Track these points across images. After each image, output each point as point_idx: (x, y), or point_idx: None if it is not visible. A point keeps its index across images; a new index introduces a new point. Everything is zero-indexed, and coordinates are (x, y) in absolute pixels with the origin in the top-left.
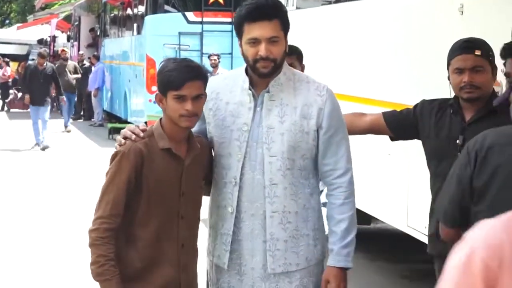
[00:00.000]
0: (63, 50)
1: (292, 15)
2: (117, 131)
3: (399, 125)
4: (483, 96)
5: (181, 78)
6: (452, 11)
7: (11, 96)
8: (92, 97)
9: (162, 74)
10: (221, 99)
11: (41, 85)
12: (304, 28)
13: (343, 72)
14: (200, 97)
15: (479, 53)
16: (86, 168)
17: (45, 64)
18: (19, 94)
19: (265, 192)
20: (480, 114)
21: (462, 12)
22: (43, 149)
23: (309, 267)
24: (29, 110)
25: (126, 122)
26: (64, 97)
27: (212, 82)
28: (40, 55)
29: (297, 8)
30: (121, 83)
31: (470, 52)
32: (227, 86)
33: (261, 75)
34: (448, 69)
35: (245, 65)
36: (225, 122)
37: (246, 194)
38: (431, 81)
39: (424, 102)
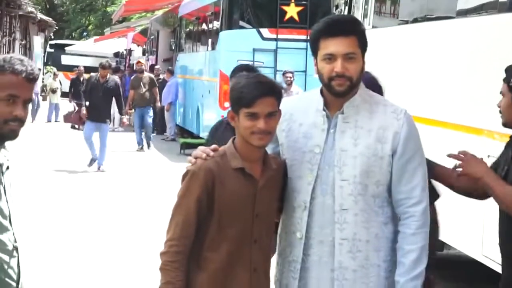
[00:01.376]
0: (138, 62)
1: (368, 33)
2: (189, 146)
3: None
4: None
5: (252, 95)
6: None
7: (68, 110)
8: (165, 111)
9: (234, 90)
10: (294, 120)
11: (101, 99)
12: (379, 47)
13: (419, 94)
14: (273, 115)
15: None
16: (157, 184)
17: (107, 77)
18: (77, 107)
19: (335, 217)
20: None
21: None
22: (99, 169)
23: None
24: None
25: (199, 137)
26: (124, 118)
27: (286, 103)
28: (102, 66)
29: (373, 27)
30: (194, 98)
31: None
32: (301, 107)
33: (336, 93)
34: None
35: (320, 86)
36: (298, 143)
37: (316, 220)
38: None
39: None
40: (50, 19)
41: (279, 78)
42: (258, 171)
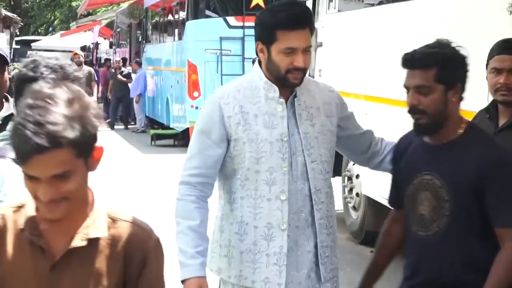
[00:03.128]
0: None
1: (335, 18)
2: (159, 137)
3: None
4: None
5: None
6: (501, 10)
7: None
8: (134, 103)
9: None
10: (247, 112)
11: None
12: (346, 31)
13: (386, 75)
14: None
15: None
16: (130, 175)
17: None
18: None
19: (312, 199)
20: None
21: (511, 11)
22: None
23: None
24: None
25: (169, 128)
26: None
27: (228, 94)
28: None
29: (338, 11)
30: (163, 89)
31: (509, 53)
32: (246, 98)
33: (291, 85)
34: (486, 68)
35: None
36: (260, 135)
37: (291, 207)
38: (476, 83)
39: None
40: (15, 15)
41: (247, 66)
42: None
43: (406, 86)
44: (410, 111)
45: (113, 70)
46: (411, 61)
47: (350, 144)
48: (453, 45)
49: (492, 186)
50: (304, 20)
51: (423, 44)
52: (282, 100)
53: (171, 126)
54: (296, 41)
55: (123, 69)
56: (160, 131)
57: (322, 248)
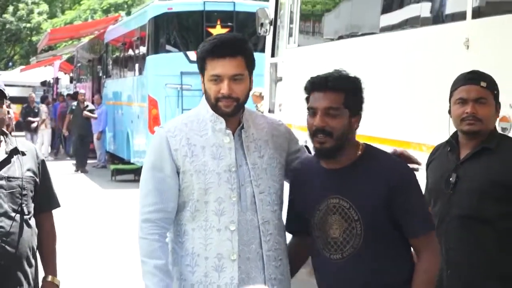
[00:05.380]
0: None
1: (294, 52)
2: (120, 172)
3: None
4: (483, 131)
5: None
6: (458, 45)
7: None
8: (95, 139)
9: None
10: (194, 144)
11: None
12: (305, 65)
13: None
14: None
15: (485, 85)
16: (90, 210)
17: None
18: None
19: (260, 231)
20: (474, 151)
21: (468, 46)
22: None
23: None
24: None
25: (129, 163)
26: None
27: (174, 128)
28: None
29: (298, 45)
30: (124, 124)
31: (475, 83)
32: (193, 130)
33: (222, 114)
34: (450, 100)
35: (201, 106)
36: (208, 166)
37: (241, 238)
38: (435, 116)
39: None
40: None
41: None
42: None
43: (313, 108)
44: (316, 133)
45: (74, 104)
46: (323, 83)
47: None
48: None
49: (398, 199)
50: (232, 48)
51: (379, 79)
52: (229, 131)
53: (131, 161)
54: (220, 69)
55: (87, 103)
56: (120, 166)
57: (270, 281)
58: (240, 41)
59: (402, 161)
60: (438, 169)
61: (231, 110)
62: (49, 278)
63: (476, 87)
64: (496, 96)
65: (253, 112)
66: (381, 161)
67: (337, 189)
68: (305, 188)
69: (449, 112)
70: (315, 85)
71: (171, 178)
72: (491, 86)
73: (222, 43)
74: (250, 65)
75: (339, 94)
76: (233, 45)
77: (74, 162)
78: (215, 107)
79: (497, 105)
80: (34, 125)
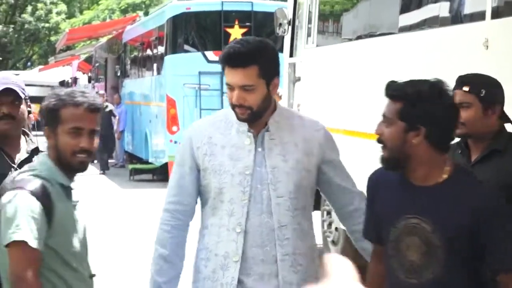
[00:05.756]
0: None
1: (313, 52)
2: (138, 172)
3: None
4: (474, 134)
5: None
6: (477, 45)
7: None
8: (116, 140)
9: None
10: (215, 143)
11: None
12: (324, 65)
13: (364, 109)
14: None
15: (467, 89)
16: (109, 210)
17: None
18: None
19: (275, 234)
20: (484, 154)
21: (487, 46)
22: None
23: None
24: None
25: (147, 163)
26: None
27: (199, 126)
28: None
29: (317, 45)
30: (142, 124)
31: (458, 88)
32: (218, 129)
33: (240, 120)
34: None
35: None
36: (224, 166)
37: (254, 240)
38: None
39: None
40: None
41: (226, 100)
42: None
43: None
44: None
45: None
46: (392, 90)
47: (327, 191)
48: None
49: (489, 232)
50: (243, 59)
51: (399, 78)
52: (251, 134)
53: (149, 161)
54: (231, 78)
55: (106, 104)
56: (138, 166)
57: (285, 285)
58: (253, 51)
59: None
60: None
61: (246, 118)
62: None
63: (459, 91)
64: (483, 98)
65: (291, 113)
66: (472, 188)
67: (418, 208)
68: (380, 198)
69: None
70: (387, 92)
71: (189, 175)
72: (475, 89)
73: (235, 53)
74: (266, 73)
75: (396, 103)
76: (245, 56)
77: (96, 162)
78: (235, 112)
79: (492, 106)
80: None
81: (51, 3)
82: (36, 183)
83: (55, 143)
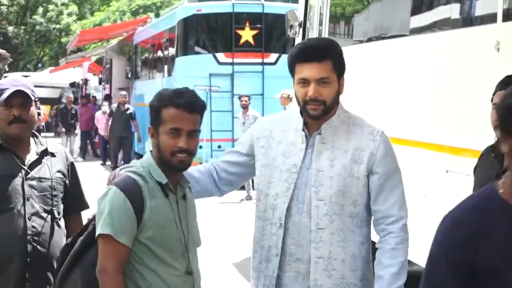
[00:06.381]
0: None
1: None
2: None
3: None
4: None
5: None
6: (488, 48)
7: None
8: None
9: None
10: (273, 138)
11: None
12: None
13: (376, 111)
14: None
15: None
16: None
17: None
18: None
19: (311, 236)
20: None
21: (499, 49)
22: None
23: None
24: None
25: None
26: None
27: (263, 121)
28: None
29: None
30: None
31: (503, 89)
32: (281, 125)
33: (310, 116)
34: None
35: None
36: (276, 161)
37: (292, 237)
38: (464, 119)
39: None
40: (4, 51)
41: (236, 102)
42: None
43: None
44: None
45: (115, 106)
46: None
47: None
48: None
49: None
50: (318, 52)
51: (410, 80)
52: (304, 132)
53: None
54: (307, 72)
55: (127, 106)
56: None
57: (315, 287)
58: (328, 45)
59: None
60: (481, 176)
61: (318, 113)
62: None
63: (501, 93)
64: None
65: (353, 118)
66: None
67: None
68: (490, 235)
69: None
70: None
71: (238, 153)
72: None
73: (309, 48)
74: (338, 68)
75: None
76: (320, 49)
77: (109, 163)
78: (304, 109)
79: None
80: (77, 130)
81: (62, 4)
82: (128, 180)
83: (157, 142)
